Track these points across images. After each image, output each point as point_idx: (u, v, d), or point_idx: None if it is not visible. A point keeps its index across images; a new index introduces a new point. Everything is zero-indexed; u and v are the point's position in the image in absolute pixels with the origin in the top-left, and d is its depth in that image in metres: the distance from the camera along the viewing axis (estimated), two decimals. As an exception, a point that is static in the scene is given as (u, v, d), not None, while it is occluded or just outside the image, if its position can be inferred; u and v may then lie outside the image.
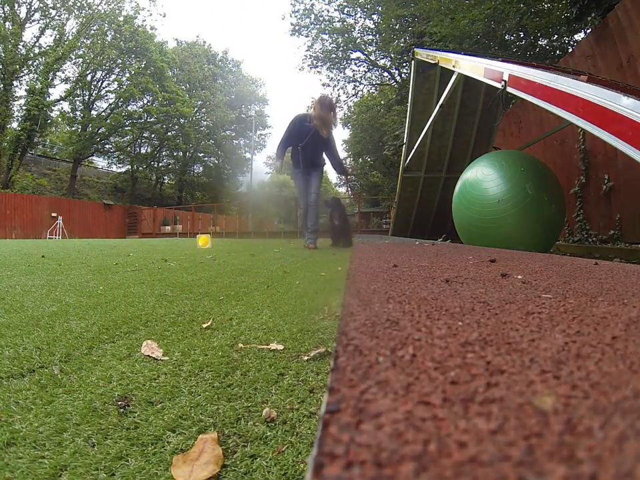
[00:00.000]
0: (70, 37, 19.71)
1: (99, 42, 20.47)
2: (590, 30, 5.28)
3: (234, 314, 1.11)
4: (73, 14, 19.92)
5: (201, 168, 27.26)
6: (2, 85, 17.24)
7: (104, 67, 21.44)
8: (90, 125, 21.13)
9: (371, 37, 16.49)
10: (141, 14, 23.12)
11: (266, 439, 0.48)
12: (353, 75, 18.63)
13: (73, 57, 20.36)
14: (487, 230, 2.54)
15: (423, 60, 3.99)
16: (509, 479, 0.13)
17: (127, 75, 21.97)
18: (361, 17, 16.35)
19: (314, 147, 4.21)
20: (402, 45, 12.50)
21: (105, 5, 20.41)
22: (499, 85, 2.01)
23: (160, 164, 25.92)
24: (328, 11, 17.68)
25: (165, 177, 26.67)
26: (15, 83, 18.05)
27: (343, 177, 4.82)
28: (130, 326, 0.97)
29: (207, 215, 19.84)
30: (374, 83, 19.29)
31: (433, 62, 3.55)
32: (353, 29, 16.59)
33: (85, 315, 1.08)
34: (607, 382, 0.22)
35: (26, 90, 18.14)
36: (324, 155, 4.46)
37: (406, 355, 0.26)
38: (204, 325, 0.98)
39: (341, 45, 16.93)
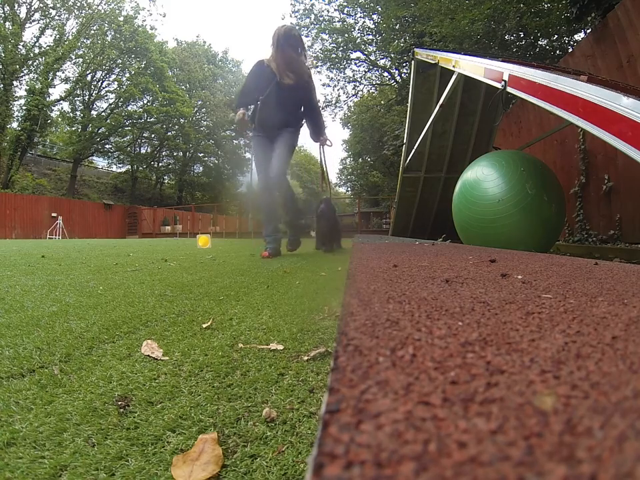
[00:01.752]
0: (70, 37, 19.71)
1: (99, 42, 20.48)
2: (590, 30, 5.28)
3: (234, 314, 1.11)
4: (73, 14, 19.93)
5: (200, 168, 27.27)
6: (2, 85, 17.24)
7: (104, 67, 21.44)
8: (90, 125, 21.15)
9: (371, 37, 16.49)
10: (141, 14, 23.27)
11: (266, 439, 0.48)
12: (353, 75, 18.65)
13: (73, 56, 20.37)
14: (487, 230, 2.54)
15: (422, 60, 3.99)
16: (508, 479, 0.13)
17: (127, 75, 21.99)
18: (360, 17, 16.36)
19: (280, 100, 2.91)
20: (402, 45, 12.50)
21: (104, 4, 20.42)
22: (498, 85, 2.01)
23: (160, 164, 25.93)
24: (328, 11, 17.71)
25: (165, 177, 26.68)
26: (15, 82, 18.05)
27: (319, 143, 3.26)
28: (130, 326, 0.97)
29: (206, 215, 19.85)
30: (374, 82, 19.29)
31: (432, 62, 3.55)
32: (352, 29, 16.59)
33: (85, 314, 1.08)
34: (607, 382, 0.22)
35: (26, 90, 18.14)
36: (300, 114, 3.14)
37: (406, 354, 0.26)
38: (204, 325, 0.98)
39: (341, 44, 16.93)
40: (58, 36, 19.37)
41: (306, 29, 17.19)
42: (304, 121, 3.20)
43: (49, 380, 0.64)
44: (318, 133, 3.25)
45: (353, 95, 19.93)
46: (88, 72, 21.13)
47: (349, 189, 30.28)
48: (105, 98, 22.59)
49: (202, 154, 26.43)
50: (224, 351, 0.79)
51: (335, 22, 16.77)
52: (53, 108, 19.83)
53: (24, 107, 18.05)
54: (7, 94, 17.35)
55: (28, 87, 18.06)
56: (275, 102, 2.92)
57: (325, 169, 3.43)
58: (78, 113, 21.76)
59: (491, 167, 2.57)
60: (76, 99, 21.53)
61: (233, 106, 3.43)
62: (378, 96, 20.26)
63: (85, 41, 20.46)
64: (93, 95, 22.02)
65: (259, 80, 2.94)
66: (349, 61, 17.88)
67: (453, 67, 2.83)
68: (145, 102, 22.93)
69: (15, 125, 18.34)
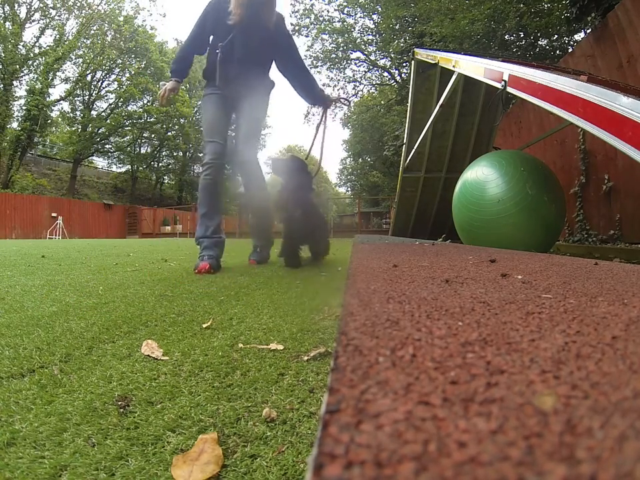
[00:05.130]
0: (70, 37, 19.73)
1: (99, 42, 20.49)
2: (590, 30, 5.28)
3: (234, 314, 1.11)
4: (73, 14, 19.95)
5: (201, 168, 27.25)
6: (2, 85, 17.24)
7: (104, 67, 21.46)
8: (90, 125, 21.15)
9: (371, 37, 16.51)
10: (141, 14, 23.34)
11: (266, 439, 0.48)
12: (353, 75, 18.66)
13: (73, 56, 20.40)
14: (487, 230, 2.54)
15: (422, 60, 3.99)
16: (508, 479, 0.13)
17: (127, 75, 22.00)
18: (361, 17, 16.38)
19: (248, 49, 2.14)
20: (402, 45, 12.51)
21: (105, 5, 20.44)
22: (498, 85, 2.01)
23: (160, 164, 25.92)
24: (328, 11, 17.78)
25: (165, 177, 26.67)
26: (15, 82, 18.06)
27: (320, 106, 2.30)
28: (130, 326, 0.97)
29: (207, 215, 19.80)
30: (374, 82, 19.31)
31: (432, 62, 3.55)
32: (352, 29, 16.60)
33: (84, 315, 1.08)
34: (607, 382, 0.22)
35: (26, 90, 18.16)
36: (272, 70, 2.38)
37: (406, 354, 0.26)
38: (204, 325, 0.98)
39: (341, 45, 16.94)
40: (58, 36, 19.38)
41: (306, 29, 17.21)
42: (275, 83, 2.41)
43: (48, 380, 0.64)
44: (316, 95, 2.42)
45: (353, 95, 19.95)
46: (88, 72, 21.13)
47: (349, 188, 30.32)
48: (105, 98, 22.61)
49: (202, 154, 26.41)
50: (224, 351, 0.79)
51: (335, 22, 16.78)
52: (53, 108, 19.86)
53: (24, 107, 18.06)
54: (7, 94, 17.36)
55: (28, 87, 18.07)
56: (241, 49, 2.12)
57: (321, 142, 2.47)
58: (78, 113, 21.78)
59: (491, 167, 2.57)
60: (76, 98, 21.55)
61: (171, 68, 2.16)
62: (378, 96, 20.27)
63: (85, 41, 20.47)
64: (93, 95, 22.03)
65: (218, 20, 2.11)
66: (348, 61, 17.89)
67: (453, 67, 2.83)
68: (145, 102, 22.93)
69: (15, 125, 18.37)
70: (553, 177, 2.62)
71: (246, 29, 2.11)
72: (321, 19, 16.91)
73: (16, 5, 17.95)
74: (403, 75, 15.28)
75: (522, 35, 9.46)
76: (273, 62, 2.36)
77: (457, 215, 2.89)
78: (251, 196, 2.30)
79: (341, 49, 17.16)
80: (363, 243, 2.31)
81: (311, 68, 17.67)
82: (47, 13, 19.21)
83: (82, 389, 0.61)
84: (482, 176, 2.59)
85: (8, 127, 17.70)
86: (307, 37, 17.32)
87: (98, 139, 21.77)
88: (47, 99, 18.80)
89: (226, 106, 2.22)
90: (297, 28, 17.25)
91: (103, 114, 22.09)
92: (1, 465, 0.42)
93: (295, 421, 0.52)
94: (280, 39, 2.28)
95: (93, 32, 20.44)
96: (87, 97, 21.80)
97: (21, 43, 18.26)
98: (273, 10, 2.18)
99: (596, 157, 4.00)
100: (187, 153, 25.67)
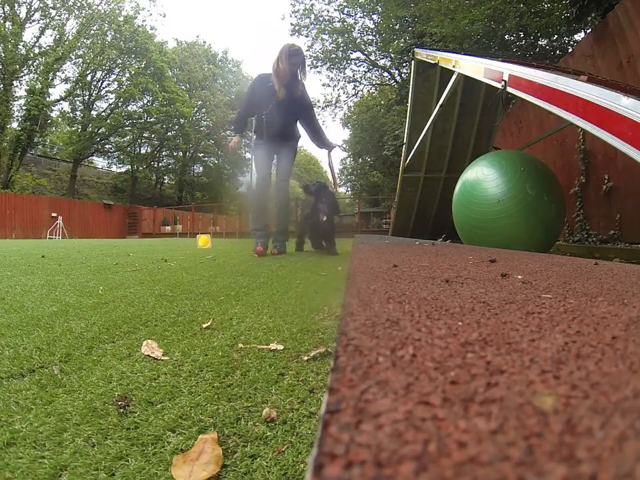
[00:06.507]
0: (70, 37, 19.72)
1: (99, 42, 20.48)
2: (590, 30, 5.28)
3: (234, 314, 1.11)
4: (73, 14, 19.94)
5: (200, 168, 27.25)
6: (2, 85, 17.24)
7: (104, 67, 21.45)
8: (90, 124, 21.15)
9: (371, 37, 16.51)
10: (141, 14, 23.29)
11: (266, 439, 0.48)
12: (353, 75, 18.65)
13: (73, 56, 20.39)
14: (487, 230, 2.54)
15: (422, 60, 3.99)
16: (508, 479, 0.13)
17: (127, 75, 21.99)
18: (360, 17, 16.37)
19: (283, 113, 3.24)
20: (402, 45, 12.50)
21: (104, 5, 20.43)
22: (499, 85, 2.00)
23: (160, 164, 25.93)
24: (328, 11, 17.73)
25: (165, 177, 26.68)
26: (15, 82, 18.06)
27: (325, 149, 3.72)
28: (130, 326, 0.97)
29: (206, 215, 19.81)
30: (374, 83, 19.30)
31: (432, 62, 3.55)
32: (352, 29, 16.60)
33: (84, 314, 1.08)
34: (607, 382, 0.22)
35: (26, 90, 18.15)
36: (298, 125, 3.55)
37: (406, 354, 0.26)
38: (204, 325, 0.98)
39: (341, 45, 16.94)
40: (58, 36, 19.37)
41: (306, 29, 17.20)
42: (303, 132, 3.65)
43: (49, 380, 0.64)
44: (323, 142, 3.64)
45: (353, 95, 19.96)
46: (88, 72, 21.12)
47: (349, 189, 30.32)
48: (105, 98, 22.60)
49: (202, 154, 26.40)
50: (224, 351, 0.79)
51: (335, 22, 16.78)
52: (53, 108, 19.84)
53: (24, 107, 18.04)
54: (7, 94, 17.35)
55: (28, 87, 18.05)
56: (279, 115, 3.25)
57: (333, 172, 3.75)
58: (78, 113, 21.77)
59: (491, 167, 2.57)
60: (76, 99, 21.54)
61: (232, 127, 3.84)
62: (378, 96, 20.26)
63: (85, 41, 20.46)
64: (93, 95, 22.02)
65: (262, 94, 3.23)
66: (348, 61, 17.88)
67: (453, 67, 2.83)
68: (145, 102, 22.91)
69: (15, 125, 18.36)
70: (553, 177, 2.62)
71: (283, 99, 3.18)
72: (321, 19, 16.91)
73: (16, 5, 17.94)
74: (403, 75, 15.27)
75: (522, 35, 9.46)
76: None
77: (457, 215, 2.89)
78: (280, 208, 3.45)
79: (341, 49, 17.15)
80: (363, 243, 2.31)
81: (311, 68, 17.69)
82: (47, 12, 19.20)
83: (82, 389, 0.61)
84: (482, 176, 2.59)
85: (8, 126, 17.69)
86: (306, 37, 17.32)
87: (98, 139, 21.77)
88: (47, 99, 18.79)
89: (270, 152, 3.39)
90: (297, 28, 17.25)
91: (103, 114, 22.08)
92: (1, 464, 0.42)
93: (295, 421, 0.52)
94: (304, 103, 3.38)
95: (93, 32, 20.43)
96: (87, 96, 21.78)
97: (21, 43, 18.25)
98: (300, 85, 3.27)
99: (596, 156, 4.00)
100: (187, 153, 25.66)
